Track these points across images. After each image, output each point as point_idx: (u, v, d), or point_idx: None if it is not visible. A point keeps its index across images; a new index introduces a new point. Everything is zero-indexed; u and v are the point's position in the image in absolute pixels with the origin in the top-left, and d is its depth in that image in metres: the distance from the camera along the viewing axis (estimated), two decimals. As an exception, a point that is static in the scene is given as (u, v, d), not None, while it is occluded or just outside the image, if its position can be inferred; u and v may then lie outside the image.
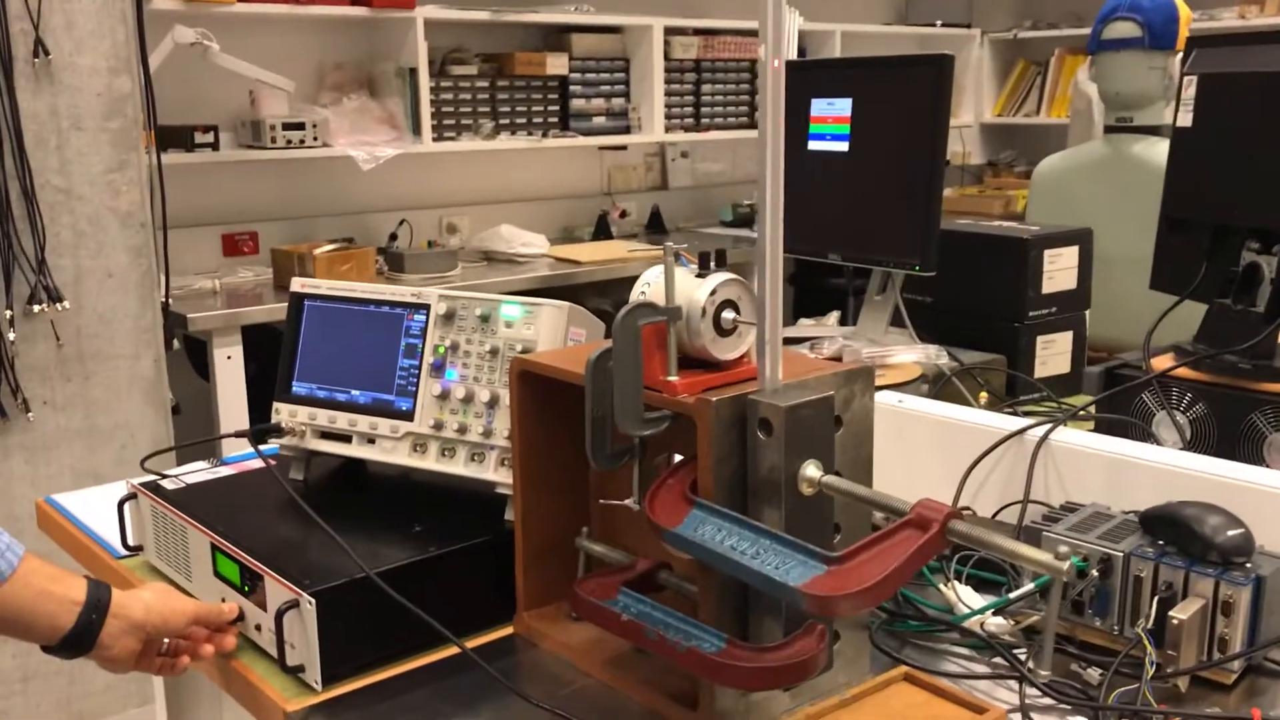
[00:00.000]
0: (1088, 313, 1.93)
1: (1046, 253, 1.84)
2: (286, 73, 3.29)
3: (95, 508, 1.46)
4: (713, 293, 0.93)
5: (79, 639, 1.03)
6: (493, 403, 1.15)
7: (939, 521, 0.80)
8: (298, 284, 1.30)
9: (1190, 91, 1.48)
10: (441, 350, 1.19)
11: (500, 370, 1.16)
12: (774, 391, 0.91)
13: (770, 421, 0.89)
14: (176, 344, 2.77)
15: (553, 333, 1.15)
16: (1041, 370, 1.86)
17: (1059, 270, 1.85)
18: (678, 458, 1.04)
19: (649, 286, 0.97)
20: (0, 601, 1.01)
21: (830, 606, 0.80)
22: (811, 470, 0.90)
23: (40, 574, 1.02)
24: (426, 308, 1.21)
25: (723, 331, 0.95)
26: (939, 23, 5.11)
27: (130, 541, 1.30)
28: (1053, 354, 1.87)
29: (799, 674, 0.88)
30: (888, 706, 0.90)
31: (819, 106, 1.97)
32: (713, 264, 0.96)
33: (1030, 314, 1.83)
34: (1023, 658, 1.04)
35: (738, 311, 0.95)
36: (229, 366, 2.92)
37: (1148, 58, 2.14)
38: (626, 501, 1.01)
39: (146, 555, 1.29)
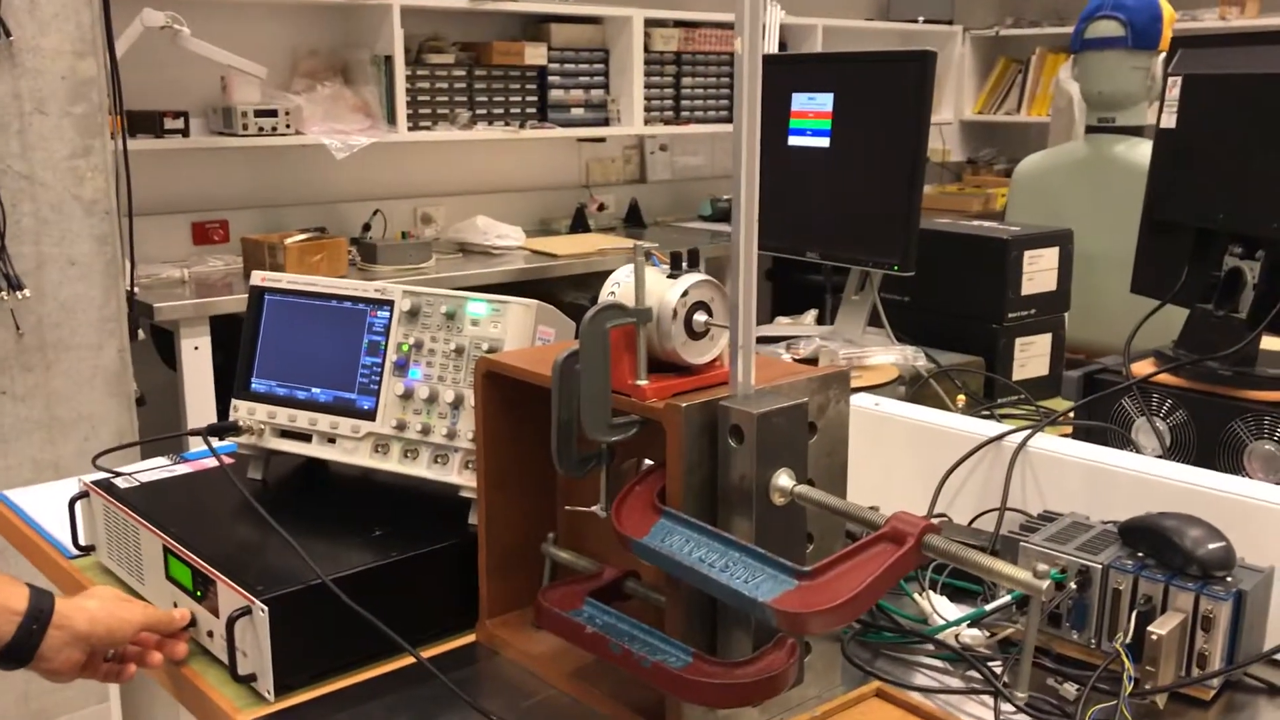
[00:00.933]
0: (1067, 314, 1.91)
1: (1026, 254, 1.81)
2: (259, 59, 3.23)
3: (49, 505, 1.41)
4: (684, 294, 0.90)
5: (18, 650, 0.99)
6: (457, 403, 1.12)
7: (914, 536, 0.77)
8: (258, 277, 1.26)
9: (1174, 93, 1.46)
10: (405, 348, 1.15)
11: (465, 370, 1.12)
12: (746, 397, 0.88)
13: (741, 428, 0.85)
14: (142, 334, 2.72)
15: (520, 331, 1.11)
16: (1020, 372, 1.84)
17: (1039, 271, 1.83)
18: (648, 462, 1.00)
19: (619, 287, 0.93)
20: None
21: (801, 624, 0.77)
22: (784, 480, 0.86)
23: None
24: (390, 304, 1.17)
25: (694, 334, 0.91)
26: (921, 19, 5.09)
27: (82, 541, 1.26)
28: (1031, 356, 1.85)
29: (768, 690, 0.84)
30: (859, 724, 0.87)
31: (800, 101, 1.94)
32: (685, 264, 0.92)
33: (1009, 315, 1.81)
34: (998, 671, 1.01)
35: (710, 314, 0.92)
36: (196, 357, 2.87)
37: (1131, 57, 2.12)
38: (593, 509, 0.98)
39: (98, 556, 1.25)
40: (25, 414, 2.37)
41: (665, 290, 0.90)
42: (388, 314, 1.17)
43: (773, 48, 4.47)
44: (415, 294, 1.16)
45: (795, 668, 0.87)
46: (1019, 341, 1.83)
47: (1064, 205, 2.23)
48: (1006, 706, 0.96)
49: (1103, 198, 2.18)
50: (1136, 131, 2.19)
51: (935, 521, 1.26)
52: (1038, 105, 5.20)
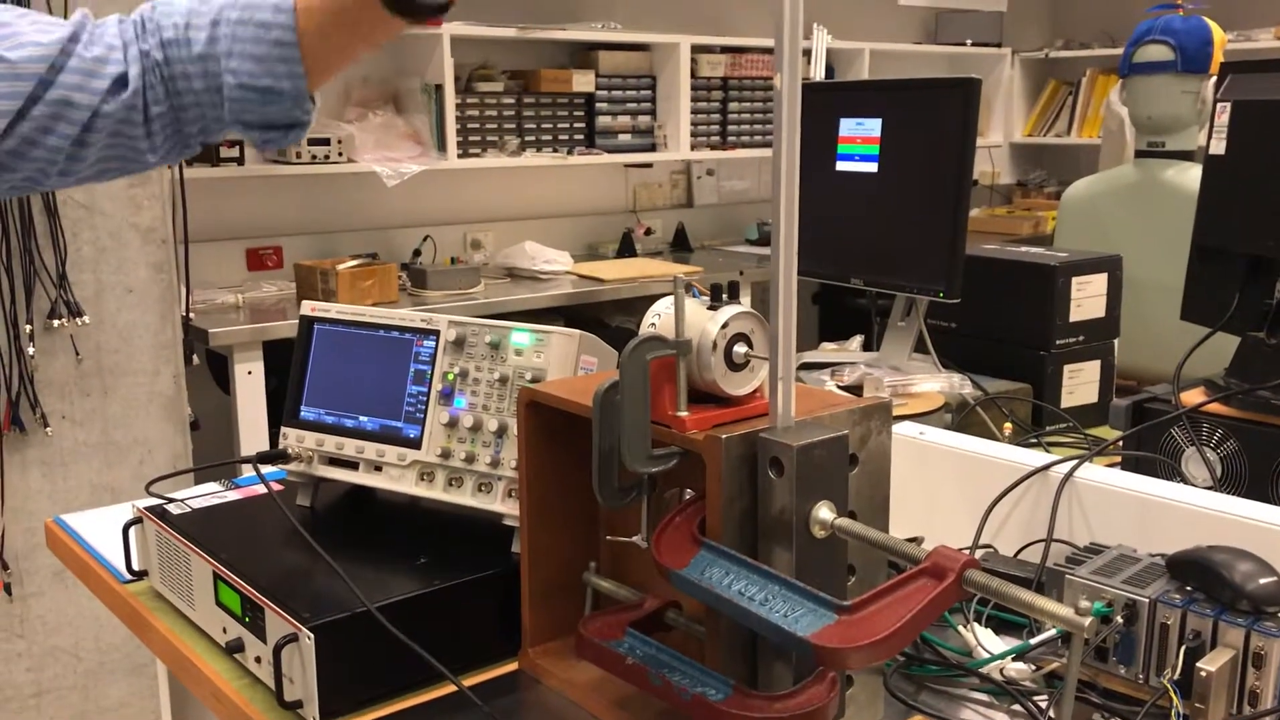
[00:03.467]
0: (1116, 341, 1.89)
1: (1074, 280, 1.80)
2: (312, 88, 3.29)
3: (103, 530, 1.44)
4: (724, 326, 0.91)
5: None
6: (501, 432, 1.13)
7: (955, 571, 0.77)
8: (308, 307, 1.28)
9: (1223, 119, 1.44)
10: (450, 377, 1.17)
11: (509, 399, 1.13)
12: (786, 429, 0.88)
13: (781, 461, 0.86)
14: (197, 359, 2.77)
15: (563, 361, 1.12)
16: (1068, 400, 1.82)
17: (1087, 298, 1.81)
18: (690, 493, 1.01)
19: (659, 318, 0.94)
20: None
21: (841, 659, 0.77)
22: (824, 512, 0.86)
23: None
24: (436, 334, 1.19)
25: (734, 366, 0.92)
26: (969, 41, 5.07)
27: (135, 566, 1.28)
28: (1080, 383, 1.83)
29: (808, 724, 0.84)
30: (900, 759, 0.86)
31: (848, 126, 1.94)
32: (725, 295, 0.93)
33: (1057, 342, 1.79)
34: (1044, 706, 1.00)
35: (750, 345, 0.92)
36: (250, 382, 2.92)
37: (1180, 82, 2.10)
38: (634, 539, 0.99)
39: (151, 581, 1.27)
40: (83, 438, 2.42)
41: (705, 322, 0.91)
42: (433, 343, 1.19)
43: (820, 72, 4.48)
44: (460, 324, 1.18)
45: (836, 701, 0.86)
46: (1067, 369, 1.81)
47: (1113, 230, 2.20)
48: (1052, 742, 0.95)
49: (1152, 223, 2.15)
50: (1187, 156, 2.17)
51: (980, 553, 1.25)
52: (1088, 127, 5.15)
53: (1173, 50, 2.07)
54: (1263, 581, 0.97)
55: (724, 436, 0.87)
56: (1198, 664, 0.95)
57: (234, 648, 1.09)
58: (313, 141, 3.33)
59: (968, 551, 1.22)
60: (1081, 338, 1.82)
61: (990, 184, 5.27)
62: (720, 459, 0.87)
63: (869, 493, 0.95)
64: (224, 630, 1.11)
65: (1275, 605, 0.97)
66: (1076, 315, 1.81)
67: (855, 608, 0.78)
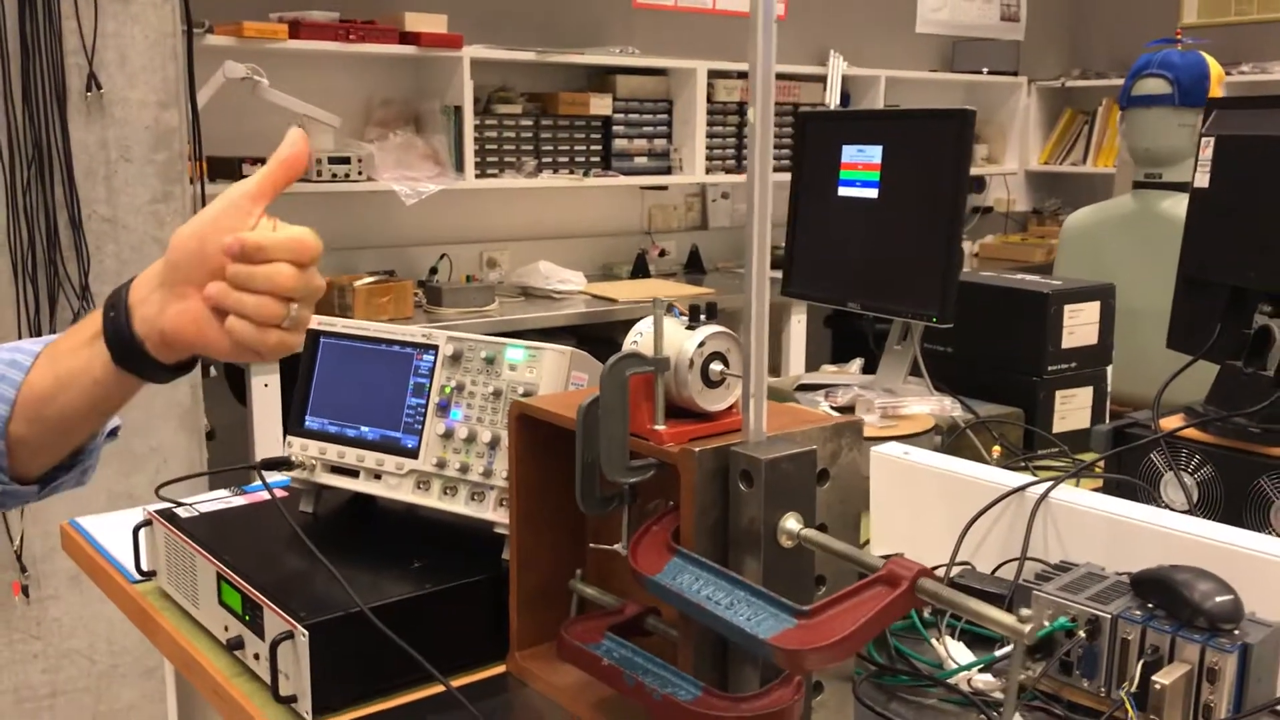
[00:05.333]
0: (1109, 368, 1.92)
1: (1067, 307, 1.83)
2: (334, 108, 3.37)
3: (116, 532, 1.50)
4: (701, 344, 0.95)
5: (115, 331, 0.90)
6: (494, 443, 1.18)
7: (909, 580, 0.81)
8: (314, 321, 1.34)
9: (1207, 153, 1.49)
10: (447, 390, 1.22)
11: (503, 412, 1.18)
12: (757, 444, 0.93)
13: (751, 473, 0.90)
14: (214, 371, 2.84)
15: (555, 376, 1.17)
16: (1060, 425, 1.86)
17: (1080, 325, 1.85)
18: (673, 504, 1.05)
19: (641, 336, 0.99)
20: (37, 401, 0.94)
21: (798, 660, 0.81)
22: (791, 523, 0.91)
23: (57, 347, 0.96)
24: (435, 348, 1.24)
25: (710, 383, 0.96)
26: (986, 70, 5.12)
27: (144, 567, 1.34)
28: (1072, 409, 1.87)
29: (773, 725, 0.88)
30: (860, 761, 0.90)
31: (849, 153, 1.99)
32: (703, 316, 0.98)
33: (1049, 368, 1.83)
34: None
35: (726, 364, 0.97)
36: (266, 394, 2.98)
37: (1177, 115, 2.14)
38: (615, 546, 1.03)
39: (159, 581, 1.33)
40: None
41: (683, 340, 0.95)
42: (432, 358, 1.24)
43: (835, 99, 4.54)
44: (458, 339, 1.23)
45: (801, 704, 0.90)
46: (1059, 394, 1.85)
47: (1111, 259, 2.24)
48: (1012, 751, 0.99)
49: (1148, 253, 2.19)
50: (1183, 187, 2.20)
51: (957, 569, 1.29)
52: (1104, 156, 5.18)
53: (1170, 84, 2.11)
54: (1219, 600, 1.01)
55: (697, 450, 0.91)
56: (1153, 677, 0.98)
57: (234, 645, 1.14)
58: (333, 160, 3.40)
59: (944, 568, 1.27)
60: (1074, 364, 1.86)
61: (1005, 211, 5.30)
62: (694, 471, 0.91)
63: (840, 507, 0.99)
64: (226, 628, 1.16)
65: (1231, 623, 1.00)
66: (1069, 342, 1.85)
67: (814, 612, 0.83)
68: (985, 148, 5.18)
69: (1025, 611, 0.76)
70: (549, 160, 3.96)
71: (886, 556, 0.86)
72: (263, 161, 2.92)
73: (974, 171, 5.17)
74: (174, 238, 0.89)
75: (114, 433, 1.12)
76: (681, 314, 0.99)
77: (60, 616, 2.51)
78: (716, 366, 0.96)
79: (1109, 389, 1.93)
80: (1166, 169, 2.19)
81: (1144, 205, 2.24)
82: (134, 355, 0.91)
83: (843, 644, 0.80)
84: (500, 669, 1.14)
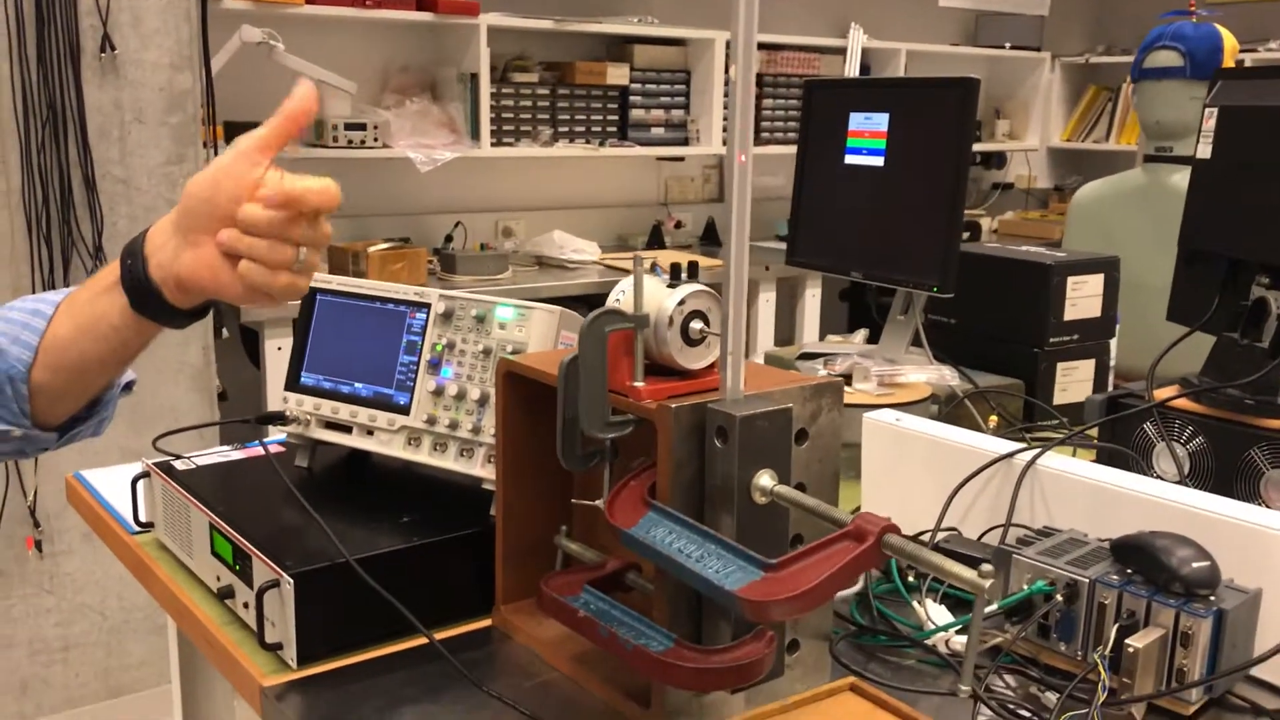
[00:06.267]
0: (1113, 342, 1.92)
1: (1070, 279, 1.83)
2: (351, 74, 3.38)
3: (119, 485, 1.52)
4: (681, 303, 0.96)
5: (132, 279, 0.95)
6: (483, 400, 1.19)
7: (875, 534, 0.82)
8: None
9: (1210, 124, 1.48)
10: (439, 348, 1.23)
11: (492, 370, 1.19)
12: (734, 401, 0.93)
13: (726, 429, 0.91)
14: (227, 333, 2.86)
15: (543, 335, 1.18)
16: (1061, 397, 1.85)
17: (1082, 297, 1.84)
18: (656, 463, 1.06)
19: (623, 295, 0.99)
20: (59, 348, 0.99)
21: (763, 611, 0.82)
22: (765, 480, 0.92)
23: (77, 297, 1.00)
24: (427, 306, 1.25)
25: (691, 341, 0.97)
26: (1008, 45, 5.07)
27: (142, 518, 1.36)
28: (1074, 381, 1.86)
29: (743, 676, 0.90)
30: (828, 715, 0.91)
31: (857, 120, 1.98)
32: (684, 275, 0.98)
33: (1051, 340, 1.83)
34: (981, 675, 1.05)
35: (706, 322, 0.98)
36: (279, 357, 3.01)
37: (1188, 88, 2.12)
38: (597, 503, 1.04)
39: (156, 532, 1.35)
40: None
41: (664, 299, 0.96)
42: (425, 316, 1.25)
43: (854, 71, 4.51)
44: (450, 298, 1.24)
45: (772, 658, 0.91)
46: (1061, 366, 1.84)
47: (1120, 233, 2.23)
48: (986, 711, 1.00)
49: (1158, 227, 2.17)
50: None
51: (943, 535, 1.30)
52: (1127, 133, 5.13)
53: (1182, 56, 2.09)
54: (1195, 566, 1.01)
55: (674, 406, 0.92)
56: (1127, 640, 0.99)
57: (225, 594, 1.17)
58: (349, 126, 3.41)
59: (930, 533, 1.27)
60: (1076, 336, 1.85)
61: (1026, 188, 5.26)
62: (670, 427, 0.92)
63: (818, 467, 1.00)
64: (217, 578, 1.19)
65: (1206, 589, 1.01)
66: (1071, 314, 1.84)
67: (781, 565, 0.84)
68: (1007, 123, 5.14)
69: (986, 567, 0.77)
70: (565, 130, 3.96)
71: (856, 513, 0.87)
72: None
73: (995, 147, 5.13)
74: (188, 185, 0.94)
75: (129, 386, 1.16)
76: (663, 273, 1.00)
77: (72, 571, 2.55)
78: (697, 325, 0.97)
79: (1111, 362, 1.92)
80: (1177, 142, 2.17)
81: (1154, 179, 2.23)
82: (151, 301, 0.95)
83: (807, 596, 0.81)
84: (486, 622, 1.16)
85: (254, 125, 2.96)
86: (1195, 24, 2.12)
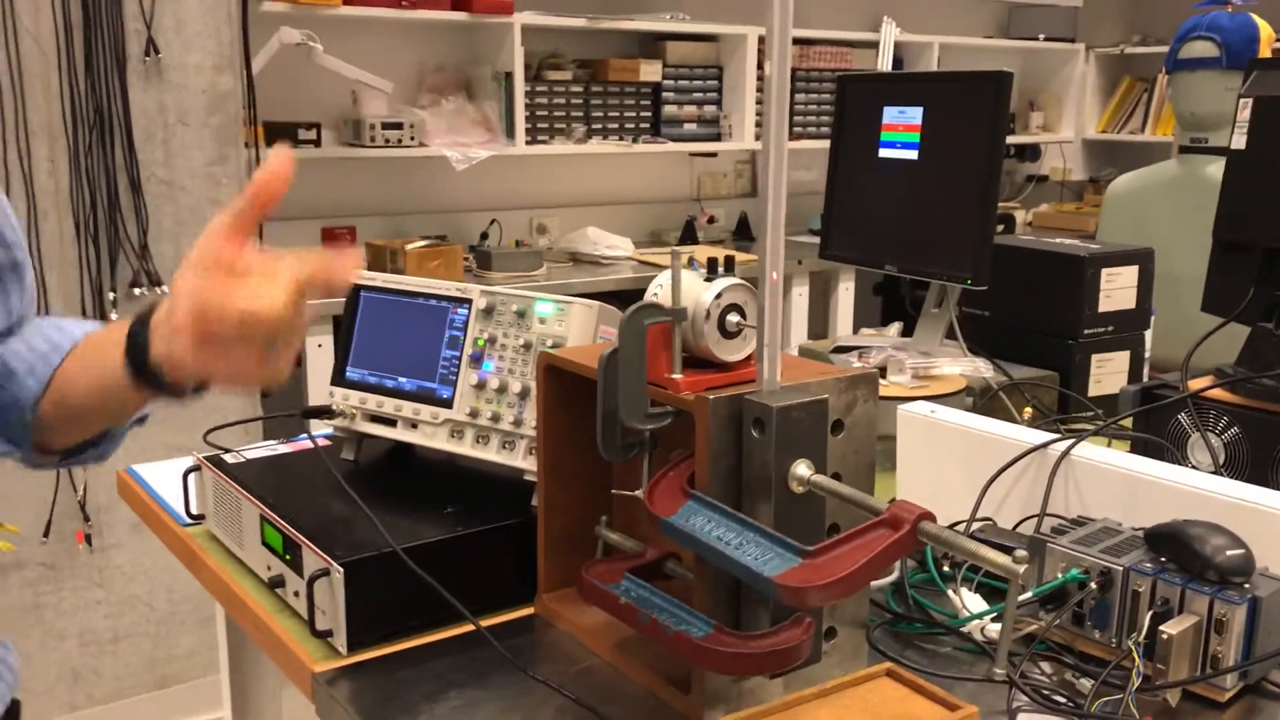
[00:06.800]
0: (1148, 333, 1.92)
1: (1104, 271, 1.83)
2: (387, 74, 3.42)
3: (168, 478, 1.57)
4: (718, 296, 0.98)
5: (133, 352, 0.94)
6: (524, 394, 1.22)
7: (910, 521, 0.84)
8: (355, 276, 1.39)
9: (1245, 114, 1.48)
10: (480, 343, 1.26)
11: (533, 364, 1.22)
12: (771, 392, 0.96)
13: (763, 420, 0.93)
14: (269, 330, 2.91)
15: (583, 329, 1.21)
16: (1096, 389, 1.86)
17: (1117, 289, 1.85)
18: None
19: (661, 289, 1.02)
20: (66, 387, 1.02)
21: (801, 597, 0.84)
22: (802, 469, 0.94)
23: (92, 341, 1.05)
24: (469, 302, 1.28)
25: (727, 334, 0.99)
26: (1042, 36, 5.04)
27: (193, 510, 1.40)
28: (1108, 373, 1.87)
29: (781, 662, 0.92)
30: (865, 699, 0.93)
31: (891, 114, 2.00)
32: (721, 269, 1.01)
33: (1085, 332, 1.83)
34: (1016, 662, 1.06)
35: (743, 315, 1.00)
36: (320, 354, 3.06)
37: (1224, 78, 2.12)
38: (636, 493, 1.07)
39: (208, 524, 1.39)
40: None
41: (701, 292, 0.98)
42: (466, 311, 1.28)
43: (887, 65, 4.51)
44: (491, 293, 1.27)
45: (809, 644, 0.93)
46: (1095, 358, 1.85)
47: (1154, 225, 2.23)
48: (1021, 697, 1.02)
49: (1193, 218, 2.17)
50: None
51: (978, 525, 1.31)
52: (1163, 125, 5.09)
53: (1218, 47, 2.08)
54: (1230, 554, 1.02)
55: (712, 397, 0.94)
56: (1161, 627, 1.00)
57: (275, 583, 1.20)
58: (386, 125, 3.45)
59: (965, 523, 1.29)
60: (1110, 328, 1.86)
61: (1061, 180, 5.24)
62: (708, 418, 0.94)
63: (854, 457, 1.02)
64: (268, 568, 1.22)
65: (1240, 576, 1.02)
66: (1106, 306, 1.85)
67: (818, 552, 0.86)
68: (1041, 115, 5.11)
69: (1020, 553, 0.78)
70: (599, 126, 3.98)
71: (893, 502, 0.89)
72: (318, 127, 2.96)
73: (1029, 140, 5.11)
74: (174, 281, 0.89)
75: (142, 419, 1.18)
76: (700, 268, 1.02)
77: (122, 564, 2.61)
78: (733, 318, 0.99)
79: (1147, 353, 1.92)
80: (1213, 133, 2.16)
81: (1189, 170, 2.22)
82: (149, 374, 0.95)
83: (845, 582, 0.83)
84: (528, 611, 1.19)
85: (293, 125, 3.01)
86: (1231, 14, 2.11)
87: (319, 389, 3.02)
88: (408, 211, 3.82)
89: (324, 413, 1.35)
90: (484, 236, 3.86)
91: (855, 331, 2.38)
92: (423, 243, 3.43)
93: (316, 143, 3.39)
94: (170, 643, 2.68)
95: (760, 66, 4.21)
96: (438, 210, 3.87)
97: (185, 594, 2.68)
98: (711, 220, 4.44)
